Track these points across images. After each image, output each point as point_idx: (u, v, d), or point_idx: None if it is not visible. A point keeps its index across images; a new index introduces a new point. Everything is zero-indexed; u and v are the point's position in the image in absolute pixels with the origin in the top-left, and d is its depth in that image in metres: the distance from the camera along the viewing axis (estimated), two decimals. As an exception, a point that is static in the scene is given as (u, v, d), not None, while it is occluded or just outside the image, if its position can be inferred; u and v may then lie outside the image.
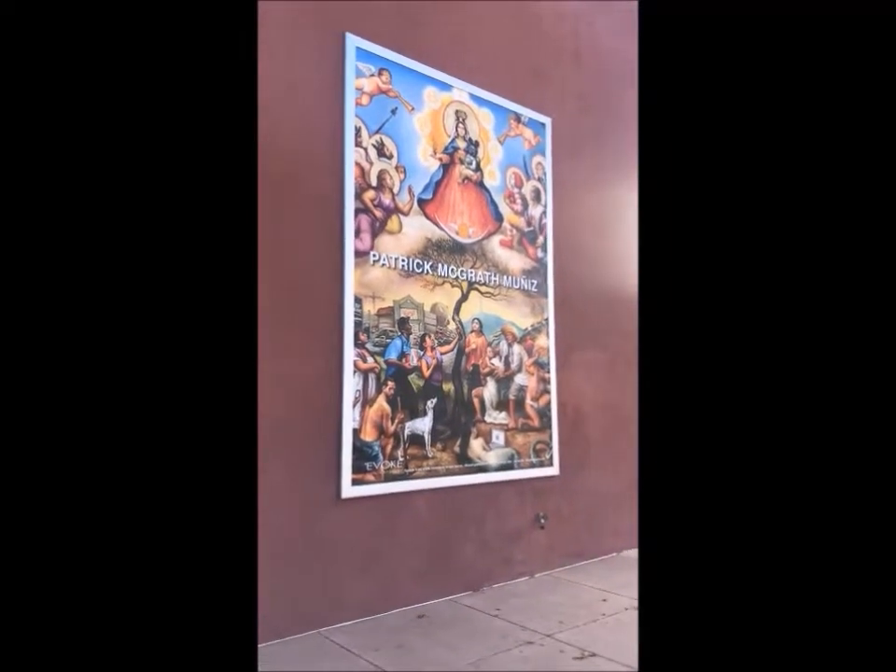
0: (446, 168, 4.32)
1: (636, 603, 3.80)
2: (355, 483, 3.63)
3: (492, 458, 4.35)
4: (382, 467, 3.77)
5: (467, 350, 4.30)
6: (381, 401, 3.80)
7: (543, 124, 4.95)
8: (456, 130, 4.42)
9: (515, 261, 4.65)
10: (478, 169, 4.51)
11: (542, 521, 4.54)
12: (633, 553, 5.01)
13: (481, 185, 4.51)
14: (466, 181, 4.42)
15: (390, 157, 4.01)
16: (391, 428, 3.83)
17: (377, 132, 3.96)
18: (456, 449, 4.16)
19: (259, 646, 3.11)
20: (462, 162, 4.42)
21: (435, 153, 4.27)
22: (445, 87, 4.38)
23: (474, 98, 4.54)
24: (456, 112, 4.43)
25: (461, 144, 4.43)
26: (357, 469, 3.65)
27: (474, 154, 4.50)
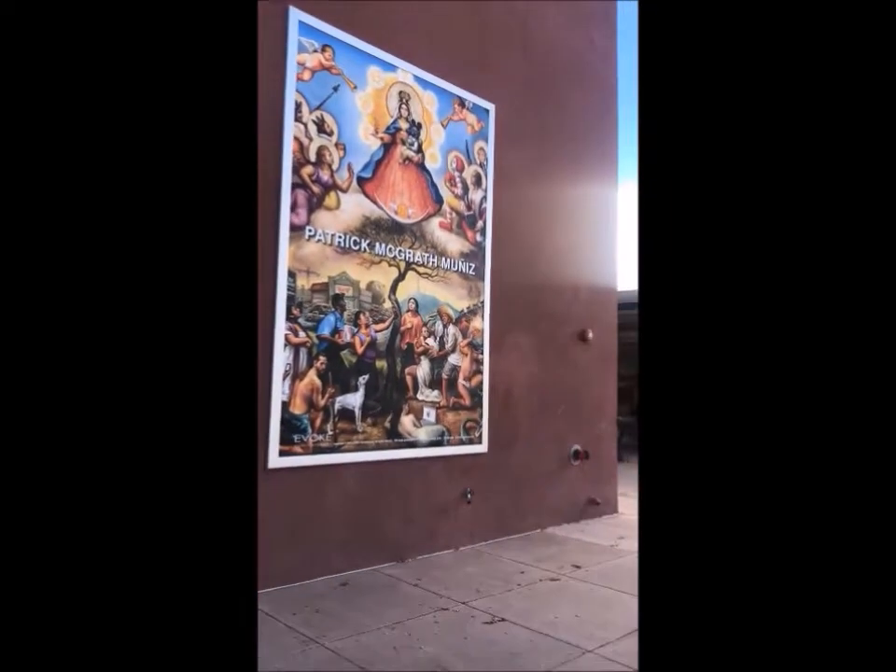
0: (387, 148, 4.37)
1: (551, 575, 4.00)
2: (282, 454, 3.70)
3: (422, 434, 4.47)
4: (310, 439, 3.84)
5: (402, 329, 4.39)
6: (311, 376, 3.86)
7: (487, 110, 5.04)
8: (399, 111, 4.47)
9: (454, 244, 4.75)
10: (419, 151, 4.57)
11: (469, 496, 4.70)
12: (555, 531, 5.23)
13: (422, 167, 4.58)
14: (407, 162, 4.48)
15: (330, 134, 4.04)
16: (321, 402, 3.90)
17: (318, 108, 3.98)
18: (387, 424, 4.26)
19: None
20: (404, 143, 4.48)
21: (377, 132, 4.31)
22: (390, 67, 4.41)
23: (419, 80, 4.59)
24: (400, 93, 4.48)
25: (403, 125, 4.49)
26: (285, 440, 3.72)
27: (416, 136, 4.56)
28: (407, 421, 4.39)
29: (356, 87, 4.20)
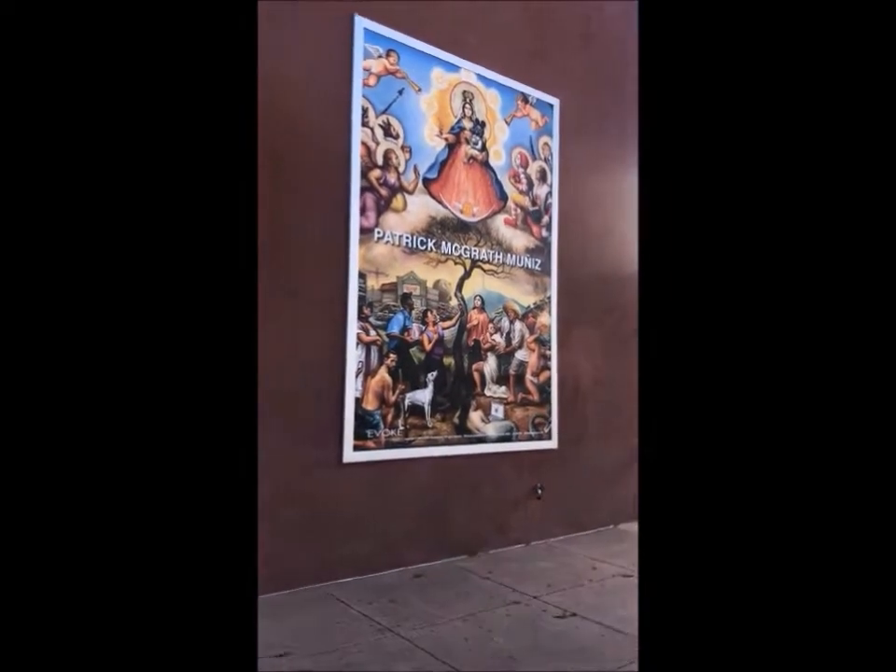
0: (452, 148, 4.43)
1: (624, 571, 3.97)
2: (356, 448, 3.83)
3: (491, 430, 4.52)
4: (382, 434, 3.96)
5: (468, 326, 4.45)
6: (382, 373, 3.98)
7: (551, 105, 5.02)
8: (463, 110, 4.52)
9: (519, 240, 4.76)
10: (483, 149, 4.61)
11: (539, 492, 4.71)
12: (628, 527, 5.17)
13: (486, 164, 4.62)
14: (471, 161, 4.53)
15: (396, 137, 4.14)
16: (392, 399, 4.01)
17: (384, 112, 4.08)
18: (456, 420, 4.33)
19: (270, 595, 3.36)
20: (468, 142, 4.53)
21: (441, 133, 4.38)
22: (453, 68, 4.47)
23: (482, 79, 4.62)
24: (463, 93, 4.53)
25: (467, 124, 4.53)
26: (359, 435, 3.85)
27: (480, 134, 4.60)
28: (475, 417, 4.45)
29: (420, 89, 4.28)
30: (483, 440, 4.47)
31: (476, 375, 4.48)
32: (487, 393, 4.52)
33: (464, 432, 4.37)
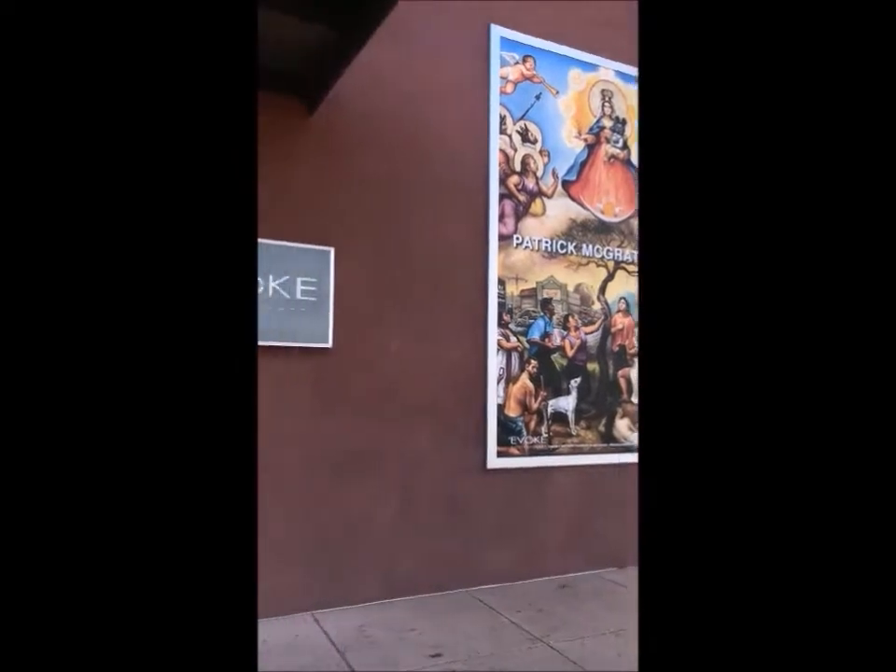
0: (591, 148, 4.33)
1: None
2: (500, 454, 3.84)
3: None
4: (525, 441, 3.93)
5: (613, 330, 4.30)
6: (524, 379, 3.96)
7: (697, 95, 4.74)
8: (602, 109, 4.40)
9: (665, 239, 4.54)
10: (625, 147, 4.46)
11: (692, 505, 4.43)
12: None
13: (627, 163, 4.46)
14: (612, 160, 4.40)
15: (534, 142, 4.12)
16: (534, 405, 3.98)
17: (521, 118, 4.08)
18: (601, 428, 4.20)
19: (420, 596, 3.46)
20: (608, 141, 4.40)
21: (580, 134, 4.29)
22: (590, 67, 4.37)
23: (620, 75, 4.48)
24: (602, 91, 4.41)
25: (607, 123, 4.41)
26: (502, 442, 3.85)
27: (621, 132, 4.45)
28: (622, 425, 4.29)
29: (557, 92, 4.23)
30: (630, 448, 4.29)
31: (622, 382, 4.32)
32: (635, 400, 4.34)
33: (610, 441, 4.23)
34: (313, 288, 3.40)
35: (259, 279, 3.28)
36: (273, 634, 3.04)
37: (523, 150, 4.07)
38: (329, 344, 3.44)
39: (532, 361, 3.99)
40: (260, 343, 3.29)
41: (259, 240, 3.31)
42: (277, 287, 3.32)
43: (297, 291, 3.36)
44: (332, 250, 3.46)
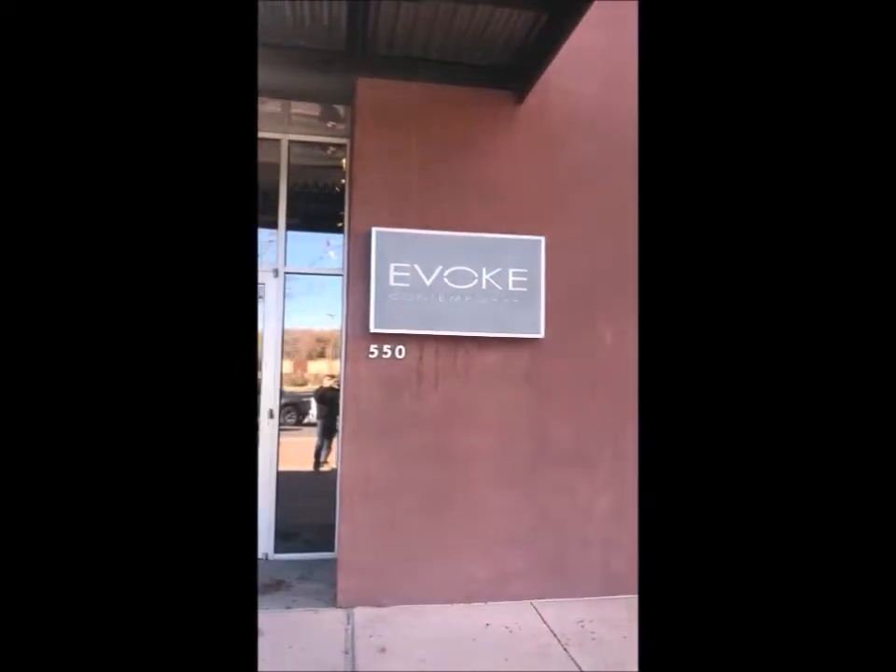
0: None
1: None
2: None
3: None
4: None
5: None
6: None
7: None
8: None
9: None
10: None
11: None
12: None
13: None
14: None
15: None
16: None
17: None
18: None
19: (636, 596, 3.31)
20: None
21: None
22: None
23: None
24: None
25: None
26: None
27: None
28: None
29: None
30: None
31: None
32: None
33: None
34: (524, 279, 3.40)
35: (473, 272, 3.36)
36: (494, 618, 3.11)
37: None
38: (541, 335, 3.42)
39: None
40: (474, 334, 3.38)
41: (471, 234, 3.39)
42: (490, 280, 3.38)
43: (509, 283, 3.39)
44: (543, 239, 3.44)
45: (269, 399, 4.03)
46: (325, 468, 4.37)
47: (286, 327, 4.13)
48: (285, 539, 4.01)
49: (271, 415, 4.02)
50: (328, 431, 4.41)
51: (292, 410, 4.18)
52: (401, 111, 3.42)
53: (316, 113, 3.98)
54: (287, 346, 4.19)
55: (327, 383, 4.41)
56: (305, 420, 4.44)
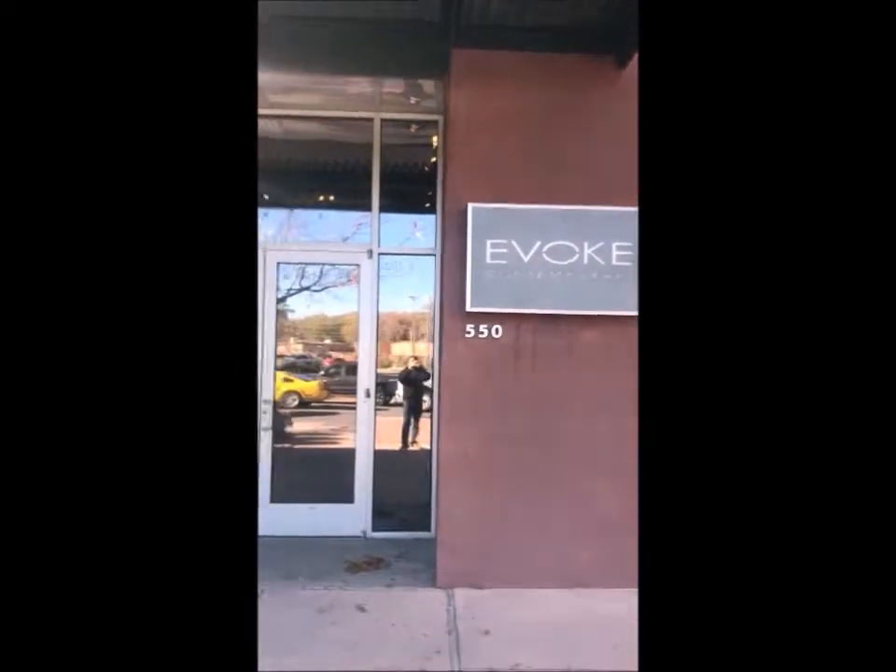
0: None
1: None
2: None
3: None
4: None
5: None
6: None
7: None
8: None
9: None
10: None
11: None
12: None
13: None
14: None
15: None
16: None
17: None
18: None
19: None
20: None
21: None
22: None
23: None
24: None
25: None
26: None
27: None
28: None
29: None
30: None
31: None
32: None
33: None
34: (628, 253, 3.23)
35: (574, 246, 3.23)
36: (599, 605, 3.02)
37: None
38: (646, 312, 3.24)
39: None
40: (575, 312, 3.25)
41: (572, 206, 3.25)
42: (592, 255, 3.23)
43: (612, 257, 3.23)
44: (648, 211, 3.25)
45: (365, 380, 4.07)
46: (413, 447, 4.39)
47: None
48: (381, 517, 4.05)
49: (367, 395, 4.06)
50: (413, 412, 4.43)
51: (380, 390, 4.26)
52: (497, 82, 3.30)
53: (407, 90, 3.93)
54: (359, 328, 4.21)
55: (411, 364, 4.42)
56: (392, 401, 4.49)
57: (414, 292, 4.30)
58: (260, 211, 4.32)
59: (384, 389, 4.39)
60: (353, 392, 4.12)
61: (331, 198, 4.41)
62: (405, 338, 4.47)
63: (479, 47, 3.29)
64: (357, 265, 4.09)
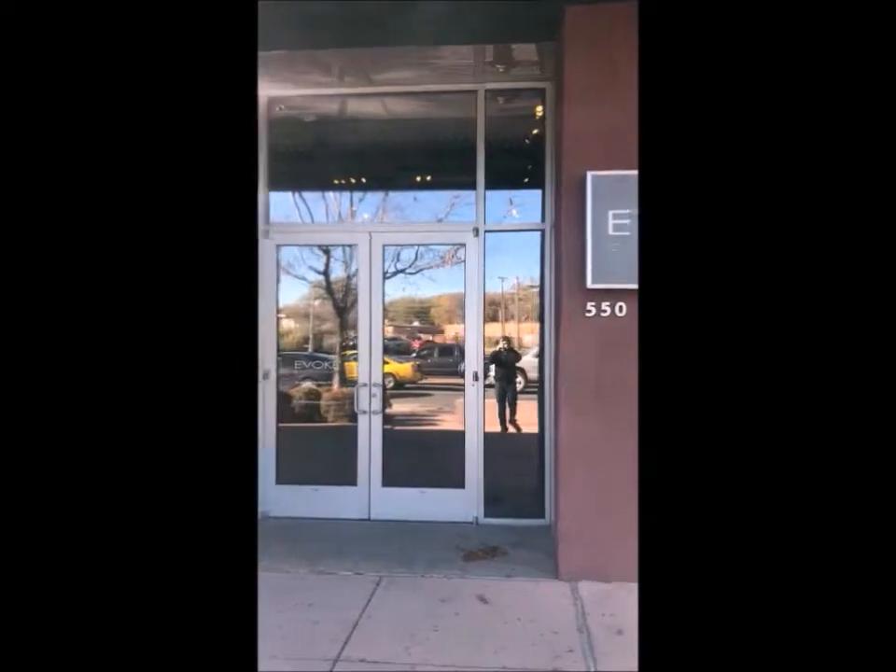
0: None
1: None
2: None
3: None
4: None
5: None
6: None
7: None
8: None
9: None
10: None
11: None
12: None
13: None
14: None
15: None
16: None
17: None
18: None
19: None
20: None
21: None
22: None
23: None
24: None
25: None
26: None
27: None
28: None
29: None
30: None
31: None
32: None
33: None
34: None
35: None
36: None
37: None
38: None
39: None
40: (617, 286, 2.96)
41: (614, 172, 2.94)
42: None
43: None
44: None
45: (473, 362, 3.95)
46: (511, 429, 4.25)
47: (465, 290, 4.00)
48: (492, 503, 3.94)
49: (475, 378, 3.94)
50: (506, 393, 4.28)
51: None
52: (615, 38, 3.03)
53: (512, 56, 3.72)
54: (465, 310, 4.09)
55: (502, 345, 4.28)
56: (486, 382, 4.39)
57: (504, 272, 4.14)
58: (363, 194, 4.28)
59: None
60: (446, 374, 4.12)
61: (433, 177, 4.30)
62: (494, 319, 4.34)
63: (592, 0, 3.03)
64: (463, 244, 3.95)
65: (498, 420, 4.25)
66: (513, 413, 4.28)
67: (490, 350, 4.23)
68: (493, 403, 4.19)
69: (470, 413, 3.96)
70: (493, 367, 4.24)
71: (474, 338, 3.95)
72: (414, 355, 4.49)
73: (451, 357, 4.02)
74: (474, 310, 3.95)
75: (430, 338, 4.50)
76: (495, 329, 4.32)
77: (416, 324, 4.52)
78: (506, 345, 4.27)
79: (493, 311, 4.30)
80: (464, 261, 3.96)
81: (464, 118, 3.97)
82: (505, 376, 4.29)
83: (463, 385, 4.00)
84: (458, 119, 4.05)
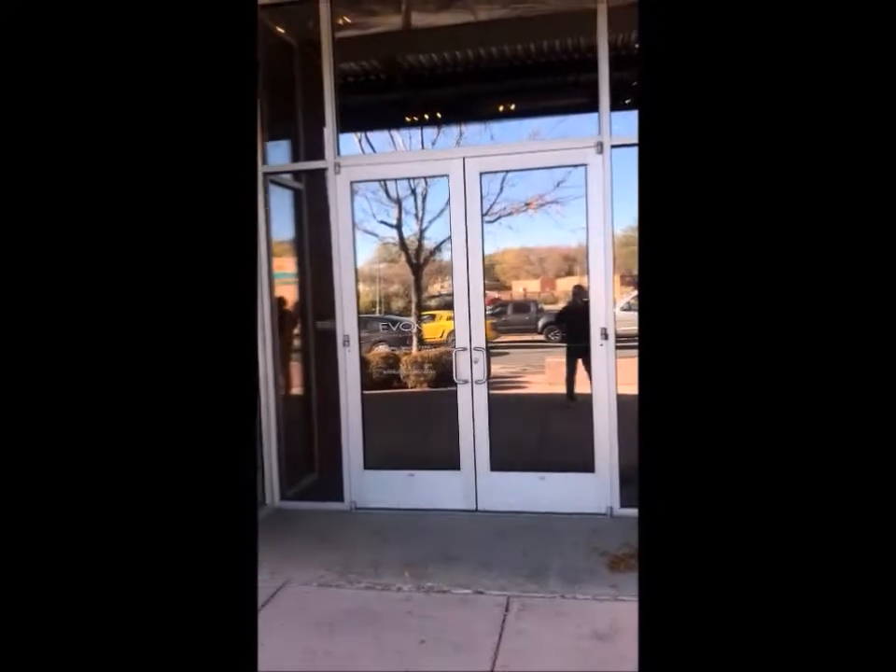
0: None
1: None
2: None
3: None
4: None
5: None
6: None
7: None
8: None
9: None
10: None
11: None
12: None
13: None
14: None
15: None
16: None
17: None
18: None
19: None
20: None
21: None
22: None
23: None
24: None
25: None
26: None
27: None
28: None
29: None
30: None
31: None
32: None
33: None
34: None
35: None
36: None
37: None
38: None
39: None
40: None
41: None
42: None
43: None
44: None
45: (601, 317, 3.14)
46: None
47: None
48: (629, 488, 3.18)
49: (604, 335, 3.13)
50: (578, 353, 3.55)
51: (555, 328, 4.04)
52: None
53: None
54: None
55: (571, 300, 3.68)
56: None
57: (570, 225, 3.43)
58: (452, 117, 3.50)
59: (549, 329, 4.17)
60: (521, 331, 4.07)
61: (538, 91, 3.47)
62: (570, 273, 3.98)
63: None
64: (585, 164, 3.10)
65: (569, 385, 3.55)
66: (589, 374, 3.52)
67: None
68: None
69: (599, 380, 3.16)
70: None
71: (602, 288, 3.13)
72: (488, 312, 3.74)
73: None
74: (601, 253, 3.10)
75: (497, 296, 4.14)
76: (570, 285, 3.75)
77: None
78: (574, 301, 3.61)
79: (569, 266, 3.86)
80: (585, 187, 3.11)
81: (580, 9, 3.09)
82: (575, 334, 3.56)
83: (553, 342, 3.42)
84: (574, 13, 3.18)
